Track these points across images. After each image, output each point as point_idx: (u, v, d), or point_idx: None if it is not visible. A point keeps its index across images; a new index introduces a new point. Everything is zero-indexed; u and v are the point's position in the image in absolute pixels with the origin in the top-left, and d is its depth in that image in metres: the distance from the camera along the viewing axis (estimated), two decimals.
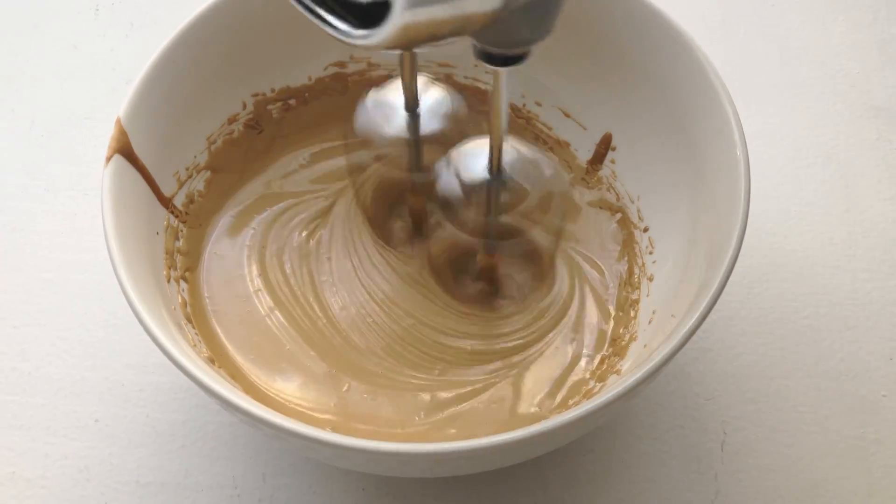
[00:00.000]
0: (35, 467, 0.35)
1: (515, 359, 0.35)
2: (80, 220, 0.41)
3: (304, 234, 0.38)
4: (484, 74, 0.40)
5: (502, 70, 0.26)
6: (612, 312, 0.36)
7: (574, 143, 0.39)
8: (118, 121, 0.32)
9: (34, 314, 0.39)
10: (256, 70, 0.37)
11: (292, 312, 0.36)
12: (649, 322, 0.33)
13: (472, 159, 0.32)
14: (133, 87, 0.32)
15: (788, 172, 0.43)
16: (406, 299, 0.36)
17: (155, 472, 0.35)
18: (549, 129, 0.40)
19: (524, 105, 0.40)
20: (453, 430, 0.33)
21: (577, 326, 0.36)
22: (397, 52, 0.30)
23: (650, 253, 0.36)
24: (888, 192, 0.42)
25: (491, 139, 0.30)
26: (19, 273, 0.40)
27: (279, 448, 0.35)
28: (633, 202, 0.37)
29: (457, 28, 0.20)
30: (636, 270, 0.36)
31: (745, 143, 0.31)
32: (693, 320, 0.27)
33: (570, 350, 0.35)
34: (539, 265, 0.37)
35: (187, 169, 0.36)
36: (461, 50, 0.26)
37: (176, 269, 0.35)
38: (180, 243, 0.36)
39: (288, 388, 0.34)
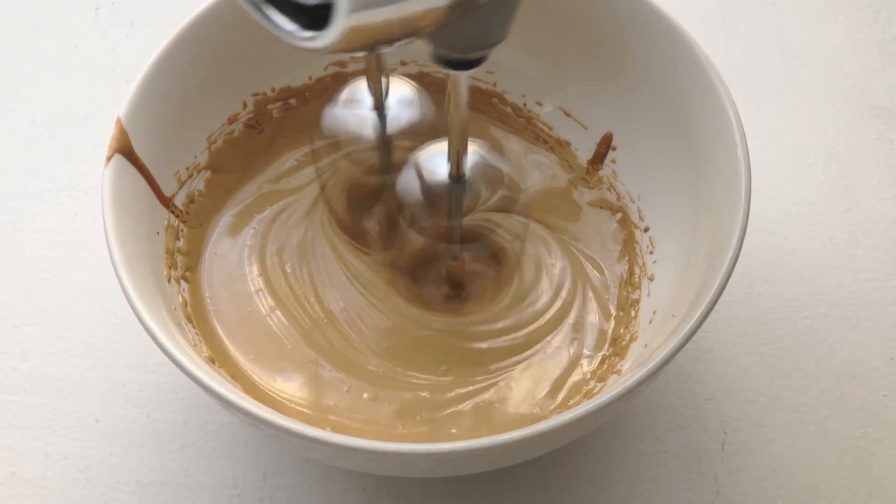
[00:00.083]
0: (35, 467, 0.35)
1: (515, 359, 0.35)
2: (81, 219, 0.41)
3: (303, 232, 0.38)
4: (481, 73, 0.40)
5: (460, 74, 0.25)
6: (613, 312, 0.36)
7: (575, 142, 0.39)
8: (118, 120, 0.32)
9: (34, 314, 0.39)
10: (257, 69, 0.37)
11: (293, 312, 0.36)
12: (650, 322, 0.33)
13: (435, 162, 0.31)
14: (133, 86, 0.32)
15: (789, 172, 0.43)
16: (404, 300, 0.36)
17: (155, 471, 0.35)
18: (550, 128, 0.40)
19: (524, 104, 0.40)
20: (453, 430, 0.33)
21: (578, 326, 0.36)
22: (356, 54, 0.30)
23: (651, 253, 0.36)
24: (889, 191, 0.42)
25: (450, 143, 0.29)
26: (19, 273, 0.40)
27: (279, 448, 0.35)
28: (633, 202, 0.37)
29: (407, 31, 0.19)
30: (637, 270, 0.36)
31: (746, 142, 0.31)
32: (694, 320, 0.27)
33: (570, 350, 0.35)
34: (505, 265, 0.37)
35: (188, 168, 0.36)
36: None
37: (176, 268, 0.35)
38: (181, 243, 0.36)
39: (288, 387, 0.34)
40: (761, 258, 0.40)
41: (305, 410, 0.33)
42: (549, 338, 0.35)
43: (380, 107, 0.34)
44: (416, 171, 0.32)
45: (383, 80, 0.33)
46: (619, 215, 0.38)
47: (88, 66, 0.47)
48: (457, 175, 0.30)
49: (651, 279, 0.35)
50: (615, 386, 0.27)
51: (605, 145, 0.38)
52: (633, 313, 0.35)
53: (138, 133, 0.32)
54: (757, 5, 0.49)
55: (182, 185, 0.36)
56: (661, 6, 0.34)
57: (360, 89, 0.34)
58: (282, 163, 0.40)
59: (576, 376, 0.34)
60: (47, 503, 0.35)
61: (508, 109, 0.40)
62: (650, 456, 0.35)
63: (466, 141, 0.29)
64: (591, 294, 0.37)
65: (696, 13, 0.48)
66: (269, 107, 0.39)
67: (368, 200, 0.38)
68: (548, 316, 0.36)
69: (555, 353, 0.35)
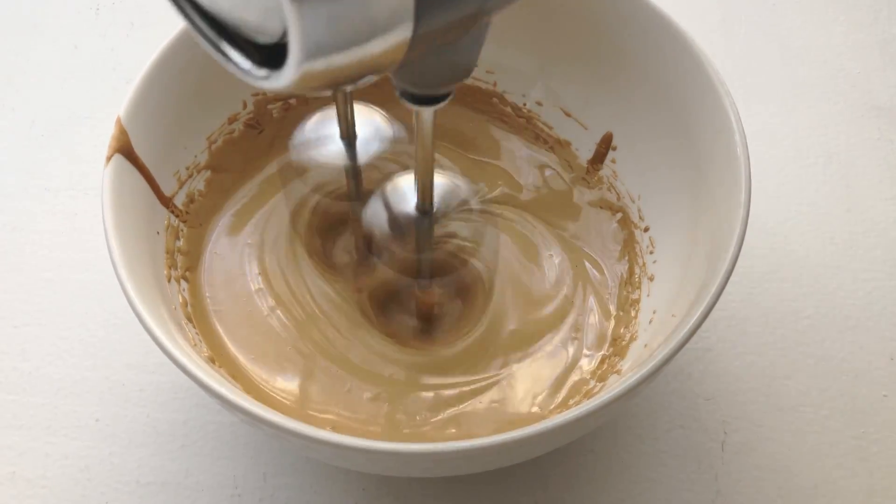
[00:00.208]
0: (35, 467, 0.35)
1: (516, 358, 0.35)
2: (81, 219, 0.41)
3: (302, 232, 0.38)
4: (480, 72, 0.40)
5: (424, 109, 0.24)
6: (613, 312, 0.36)
7: (575, 142, 0.39)
8: (118, 120, 0.32)
9: (34, 314, 0.39)
10: None
11: (293, 312, 0.36)
12: (650, 322, 0.33)
13: (404, 195, 0.31)
14: (133, 86, 0.32)
15: (789, 172, 0.43)
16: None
17: (155, 471, 0.35)
18: (550, 128, 0.40)
19: (525, 104, 0.40)
20: (453, 430, 0.33)
21: (578, 326, 0.36)
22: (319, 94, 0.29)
23: (651, 252, 0.36)
24: (889, 191, 0.42)
25: (416, 176, 0.29)
26: (19, 273, 0.40)
27: (280, 448, 0.35)
28: (633, 202, 0.37)
29: (366, 71, 0.19)
30: (637, 270, 0.36)
31: (746, 142, 0.31)
32: (694, 320, 0.27)
33: (570, 350, 0.35)
34: (476, 297, 0.36)
35: (188, 168, 0.36)
36: None
37: (176, 268, 0.35)
38: (181, 243, 0.36)
39: (288, 387, 0.34)
40: (761, 258, 0.40)
41: (305, 410, 0.33)
42: (549, 337, 0.35)
43: (347, 136, 0.33)
44: (383, 202, 0.31)
45: (350, 109, 0.33)
46: (620, 215, 0.38)
47: (88, 66, 0.47)
48: (423, 208, 0.30)
49: (651, 279, 0.35)
50: (615, 386, 0.27)
51: (606, 145, 0.38)
52: (633, 313, 0.35)
53: (138, 133, 0.32)
54: (757, 5, 0.49)
55: (182, 184, 0.36)
56: (661, 6, 0.34)
57: (329, 116, 0.34)
58: (282, 163, 0.40)
59: (576, 376, 0.34)
60: (47, 503, 0.35)
61: (508, 109, 0.40)
62: (650, 456, 0.35)
63: (432, 174, 0.29)
64: (591, 294, 0.37)
65: (696, 13, 0.48)
66: (270, 107, 0.39)
67: (337, 228, 0.38)
68: (548, 316, 0.36)
69: (555, 352, 0.35)
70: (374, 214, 0.31)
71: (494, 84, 0.40)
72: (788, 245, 0.41)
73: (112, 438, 0.36)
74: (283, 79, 0.18)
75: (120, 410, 0.36)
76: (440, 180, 0.30)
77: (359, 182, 0.34)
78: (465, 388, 0.34)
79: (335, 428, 0.33)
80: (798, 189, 0.42)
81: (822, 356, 0.38)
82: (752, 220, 0.30)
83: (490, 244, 0.33)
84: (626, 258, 0.37)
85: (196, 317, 0.35)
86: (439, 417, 0.33)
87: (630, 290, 0.36)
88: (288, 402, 0.33)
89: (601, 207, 0.38)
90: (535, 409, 0.34)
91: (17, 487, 0.35)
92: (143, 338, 0.29)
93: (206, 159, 0.37)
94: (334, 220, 0.38)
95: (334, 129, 0.33)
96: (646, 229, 0.36)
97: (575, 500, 0.34)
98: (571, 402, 0.34)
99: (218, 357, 0.34)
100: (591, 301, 0.36)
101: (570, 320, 0.36)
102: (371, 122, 0.34)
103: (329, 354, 0.35)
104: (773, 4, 0.49)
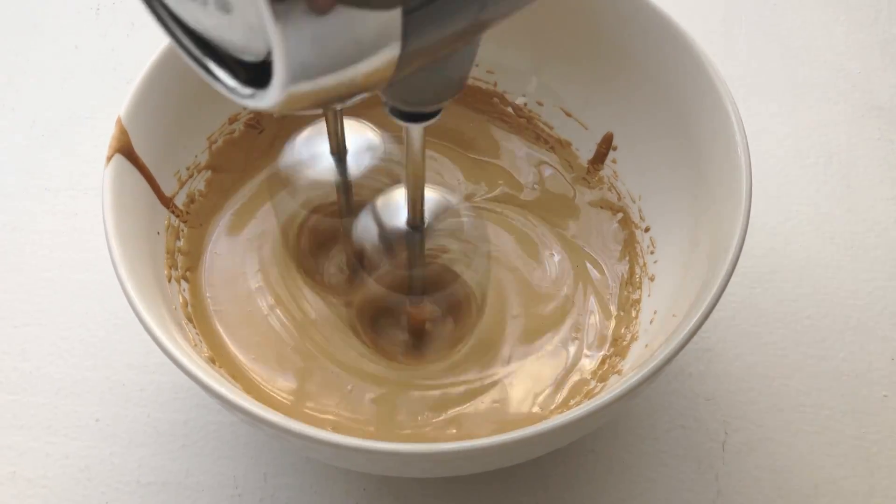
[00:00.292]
0: (36, 467, 0.35)
1: (515, 358, 0.35)
2: (81, 219, 0.41)
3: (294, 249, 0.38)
4: (480, 73, 0.40)
5: (414, 126, 0.24)
6: (614, 312, 0.36)
7: (575, 142, 0.39)
8: (119, 120, 0.32)
9: (35, 314, 0.39)
10: None
11: (293, 312, 0.36)
12: (650, 322, 0.33)
13: (395, 210, 0.31)
14: (134, 86, 0.32)
15: (790, 172, 0.43)
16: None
17: (156, 471, 0.35)
18: (551, 128, 0.40)
19: (525, 104, 0.40)
20: (453, 430, 0.33)
21: (579, 326, 0.36)
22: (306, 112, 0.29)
23: (651, 253, 0.36)
24: (890, 192, 0.42)
25: (407, 191, 0.29)
26: (19, 273, 0.40)
27: (280, 448, 0.35)
28: (634, 202, 0.37)
29: (354, 91, 0.18)
30: (637, 270, 0.36)
31: (747, 142, 0.31)
32: (694, 320, 0.27)
33: (571, 350, 0.35)
34: (469, 312, 0.36)
35: (188, 168, 0.36)
36: None
37: (177, 268, 0.35)
38: (181, 243, 0.36)
39: (289, 387, 0.34)
40: (762, 258, 0.40)
41: (306, 410, 0.33)
42: (549, 337, 0.35)
43: (338, 152, 0.33)
44: (373, 218, 0.31)
45: (340, 124, 0.32)
46: (620, 215, 0.38)
47: (89, 67, 0.47)
48: (414, 223, 0.30)
49: (652, 279, 0.35)
50: (616, 386, 0.27)
51: (606, 145, 0.38)
52: (633, 313, 0.35)
53: (139, 133, 0.32)
54: (757, 5, 0.49)
55: (182, 184, 0.36)
56: (661, 6, 0.34)
57: (320, 132, 0.34)
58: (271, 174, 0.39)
59: (576, 376, 0.34)
60: (48, 503, 0.35)
61: (509, 109, 0.40)
62: (650, 456, 0.35)
63: (423, 189, 0.28)
64: (591, 294, 0.37)
65: (696, 13, 0.48)
66: None
67: (328, 244, 0.37)
68: (548, 316, 0.36)
69: (555, 352, 0.35)
70: (365, 230, 0.31)
71: (495, 84, 0.40)
72: (789, 245, 0.41)
73: (112, 438, 0.36)
74: (268, 99, 0.17)
75: (120, 410, 0.36)
76: (431, 195, 0.30)
77: (349, 197, 0.34)
78: (466, 389, 0.34)
79: (335, 428, 0.33)
80: (798, 189, 0.42)
81: (822, 356, 0.38)
82: (753, 220, 0.30)
83: (481, 259, 0.33)
84: (627, 258, 0.37)
85: (196, 317, 0.35)
86: (440, 418, 0.33)
87: (631, 290, 0.36)
88: (288, 403, 0.33)
89: (602, 207, 0.38)
90: (535, 409, 0.34)
91: (18, 487, 0.35)
92: (143, 338, 0.29)
93: (206, 159, 0.37)
94: (325, 237, 0.37)
95: (325, 146, 0.33)
96: (646, 229, 0.36)
97: (575, 500, 0.34)
98: (572, 402, 0.34)
99: (218, 357, 0.34)
100: (592, 301, 0.36)
101: (570, 320, 0.36)
102: (362, 137, 0.34)
103: (330, 355, 0.35)
104: (774, 4, 0.49)
